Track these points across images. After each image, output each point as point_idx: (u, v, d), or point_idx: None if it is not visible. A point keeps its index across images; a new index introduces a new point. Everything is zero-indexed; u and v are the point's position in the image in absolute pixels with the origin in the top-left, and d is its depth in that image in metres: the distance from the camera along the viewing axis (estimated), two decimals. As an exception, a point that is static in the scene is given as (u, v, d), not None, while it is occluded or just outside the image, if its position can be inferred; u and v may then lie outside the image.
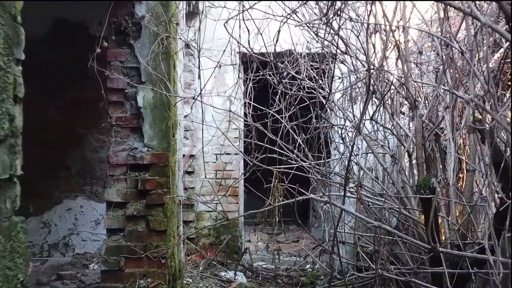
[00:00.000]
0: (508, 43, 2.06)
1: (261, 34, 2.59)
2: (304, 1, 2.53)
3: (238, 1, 2.39)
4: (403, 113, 3.16)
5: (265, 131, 2.97)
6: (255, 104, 3.12)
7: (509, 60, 2.23)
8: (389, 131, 2.92)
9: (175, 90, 2.89)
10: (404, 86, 2.50)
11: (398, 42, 2.35)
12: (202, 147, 3.14)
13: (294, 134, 2.97)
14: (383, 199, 2.76)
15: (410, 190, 2.57)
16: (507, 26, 1.61)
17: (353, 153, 2.70)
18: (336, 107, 3.28)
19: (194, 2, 4.04)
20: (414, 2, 2.42)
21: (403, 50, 2.41)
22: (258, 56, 2.75)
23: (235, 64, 3.74)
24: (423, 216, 2.28)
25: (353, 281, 3.02)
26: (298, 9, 2.57)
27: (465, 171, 2.68)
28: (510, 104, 1.91)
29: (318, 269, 4.09)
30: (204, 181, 4.30)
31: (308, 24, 2.69)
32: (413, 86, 2.61)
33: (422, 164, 2.38)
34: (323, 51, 2.73)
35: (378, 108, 2.69)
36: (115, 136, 2.80)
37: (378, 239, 2.33)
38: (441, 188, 2.46)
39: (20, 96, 1.14)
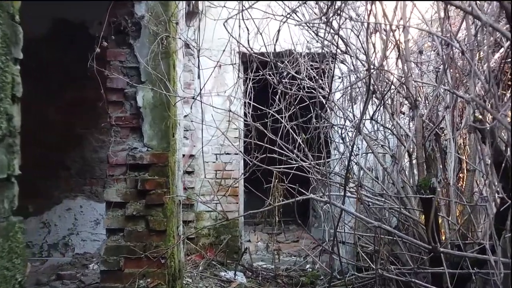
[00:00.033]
0: (508, 42, 2.05)
1: (261, 33, 2.58)
2: (304, 1, 2.52)
3: (238, 1, 2.39)
4: (403, 113, 3.16)
5: (265, 131, 2.97)
6: (255, 104, 3.11)
7: (509, 60, 2.23)
8: (389, 131, 2.91)
9: (174, 90, 2.88)
10: (404, 86, 2.50)
11: (398, 42, 2.35)
12: (202, 147, 3.13)
13: (294, 134, 2.96)
14: (383, 199, 2.76)
15: (410, 190, 2.56)
16: (508, 25, 1.61)
17: (353, 153, 2.69)
18: (336, 107, 3.28)
19: (193, 1, 4.04)
20: (414, 2, 2.42)
21: (403, 49, 2.41)
22: (258, 56, 2.74)
23: (235, 64, 3.73)
24: (423, 216, 2.28)
25: (353, 281, 3.02)
26: (298, 8, 2.56)
27: (465, 171, 2.67)
28: (510, 104, 1.91)
29: (318, 269, 4.08)
30: (204, 181, 4.30)
31: (308, 24, 2.69)
32: (413, 85, 2.60)
33: (422, 164, 2.38)
34: (323, 51, 2.72)
35: (378, 108, 2.69)
36: (114, 136, 2.80)
37: (378, 239, 2.32)
38: (441, 188, 2.45)
39: (18, 96, 1.13)
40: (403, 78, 2.48)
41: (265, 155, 2.84)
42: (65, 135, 4.56)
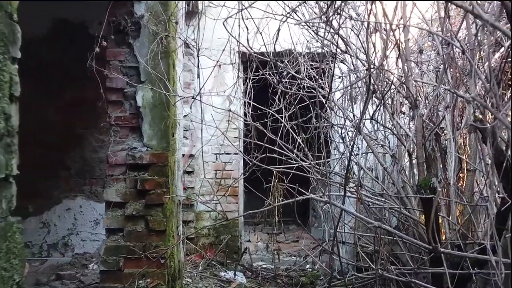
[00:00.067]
0: (509, 41, 2.05)
1: (260, 33, 2.57)
2: (304, 0, 2.52)
3: (238, 0, 2.38)
4: (404, 113, 3.15)
5: (265, 131, 2.96)
6: (255, 104, 3.11)
7: (510, 59, 2.22)
8: (389, 130, 2.90)
9: (174, 89, 2.88)
10: (405, 86, 2.49)
11: (398, 41, 2.34)
12: (202, 147, 3.13)
13: (294, 133, 2.96)
14: (383, 199, 2.75)
15: (410, 190, 2.56)
16: (509, 24, 1.60)
17: (353, 153, 2.69)
18: (336, 106, 3.27)
19: (193, 1, 4.03)
20: (415, 1, 2.41)
21: (403, 49, 2.40)
22: (258, 55, 2.74)
23: (235, 63, 3.73)
24: (423, 216, 2.27)
25: (353, 281, 3.01)
26: (298, 8, 2.56)
27: (465, 171, 2.67)
28: (511, 103, 1.90)
29: (318, 269, 4.08)
30: (204, 181, 4.29)
31: (308, 23, 2.68)
32: (414, 85, 2.60)
33: (423, 164, 2.37)
34: (323, 50, 2.71)
35: (378, 108, 2.68)
36: (114, 136, 2.79)
37: (378, 239, 2.32)
38: (442, 188, 2.44)
39: (16, 95, 1.12)
40: (403, 78, 2.47)
41: (265, 155, 2.83)
42: (65, 135, 4.55)
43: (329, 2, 2.08)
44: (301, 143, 2.91)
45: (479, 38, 2.04)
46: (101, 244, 4.30)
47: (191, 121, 4.13)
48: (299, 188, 2.58)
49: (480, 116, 1.94)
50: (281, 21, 2.31)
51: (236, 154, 4.44)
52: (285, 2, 2.54)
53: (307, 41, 3.13)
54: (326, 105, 3.19)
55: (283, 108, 3.02)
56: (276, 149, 2.89)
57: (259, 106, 3.11)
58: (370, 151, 2.75)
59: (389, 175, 2.79)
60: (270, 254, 4.68)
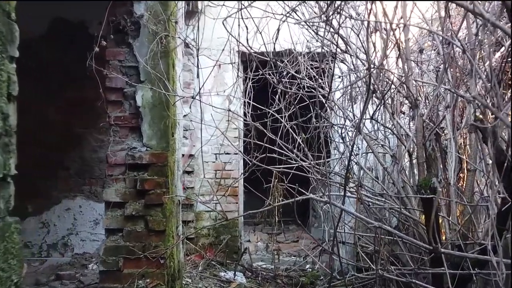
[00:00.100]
0: (509, 41, 2.04)
1: (260, 33, 2.57)
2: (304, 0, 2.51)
3: (237, 0, 2.37)
4: (404, 113, 3.14)
5: (265, 131, 2.95)
6: (255, 104, 3.10)
7: (510, 59, 2.21)
8: (389, 130, 2.90)
9: (174, 89, 2.87)
10: (405, 85, 2.48)
11: (398, 41, 2.33)
12: (201, 147, 3.13)
13: (293, 133, 2.95)
14: (383, 199, 2.75)
15: (410, 190, 2.55)
16: (510, 23, 1.60)
17: (353, 153, 2.68)
18: (336, 106, 3.26)
19: (193, 1, 4.02)
20: (415, 1, 2.41)
21: (403, 49, 2.39)
22: (258, 55, 2.73)
23: (234, 63, 3.72)
24: (423, 216, 2.26)
25: (353, 282, 3.00)
26: (297, 7, 2.55)
27: (465, 170, 2.66)
28: (511, 103, 1.89)
29: (318, 270, 4.07)
30: (204, 181, 4.29)
31: (307, 23, 2.67)
32: (414, 85, 2.59)
33: (423, 164, 2.37)
34: (323, 50, 2.71)
35: (378, 108, 2.68)
36: (113, 136, 2.79)
37: (378, 240, 2.31)
38: (442, 188, 2.44)
39: (14, 94, 1.12)
40: (403, 78, 2.47)
41: (264, 154, 2.82)
42: (64, 135, 4.55)
43: (329, 2, 2.08)
44: (301, 143, 2.90)
45: (479, 38, 2.04)
46: (101, 244, 4.29)
47: (191, 121, 4.12)
48: (299, 188, 2.57)
49: (481, 116, 1.93)
50: (281, 20, 2.31)
51: (236, 154, 4.43)
52: (285, 1, 2.54)
53: (307, 41, 3.12)
54: (326, 105, 3.18)
55: (283, 108, 3.01)
56: (276, 149, 2.89)
57: (259, 106, 3.10)
58: (370, 151, 2.74)
59: (389, 175, 2.78)
60: (270, 254, 4.68)
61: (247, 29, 2.42)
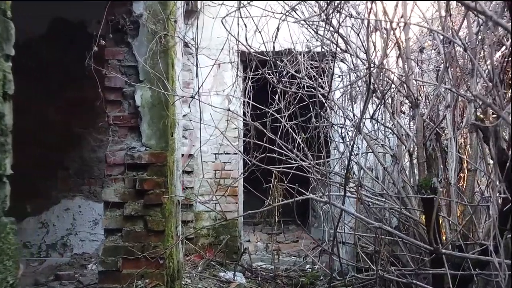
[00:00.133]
0: (510, 40, 2.03)
1: (260, 32, 2.55)
2: (304, -1, 2.50)
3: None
4: (404, 112, 3.13)
5: (264, 131, 2.94)
6: (254, 103, 3.09)
7: (511, 58, 2.20)
8: (389, 130, 2.88)
9: (173, 88, 2.86)
10: (405, 85, 2.47)
11: (398, 40, 2.32)
12: (201, 147, 3.11)
13: (293, 133, 2.94)
14: (383, 199, 2.74)
15: (411, 190, 2.54)
16: (511, 22, 1.58)
17: (353, 153, 2.67)
18: (336, 106, 3.25)
19: (192, 0, 4.01)
20: (415, 0, 2.39)
21: (403, 48, 2.38)
22: (257, 54, 2.72)
23: (234, 62, 3.71)
24: (423, 216, 2.25)
25: (353, 282, 2.99)
26: (297, 6, 2.54)
27: (466, 170, 2.65)
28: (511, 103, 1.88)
29: (318, 270, 4.06)
30: (203, 181, 4.28)
31: (307, 22, 2.66)
32: (414, 84, 2.58)
33: (423, 164, 2.35)
34: (323, 49, 2.69)
35: (378, 107, 2.66)
36: (112, 136, 2.78)
37: (379, 240, 2.30)
38: (442, 188, 2.43)
39: (9, 93, 1.10)
40: (403, 77, 2.45)
41: (264, 154, 2.81)
42: (64, 135, 4.54)
43: (328, 0, 2.07)
44: (300, 142, 2.89)
45: (480, 37, 2.03)
46: (100, 244, 4.29)
47: (190, 120, 4.11)
48: (299, 188, 2.56)
49: (481, 116, 1.92)
50: (281, 19, 2.29)
51: (236, 154, 4.42)
52: (285, 0, 2.52)
53: (307, 40, 3.11)
54: (326, 105, 3.17)
55: (282, 107, 3.00)
56: (276, 149, 2.87)
57: (259, 106, 3.09)
58: (370, 151, 2.73)
59: (389, 175, 2.77)
60: (270, 254, 4.67)
61: (246, 28, 2.40)
